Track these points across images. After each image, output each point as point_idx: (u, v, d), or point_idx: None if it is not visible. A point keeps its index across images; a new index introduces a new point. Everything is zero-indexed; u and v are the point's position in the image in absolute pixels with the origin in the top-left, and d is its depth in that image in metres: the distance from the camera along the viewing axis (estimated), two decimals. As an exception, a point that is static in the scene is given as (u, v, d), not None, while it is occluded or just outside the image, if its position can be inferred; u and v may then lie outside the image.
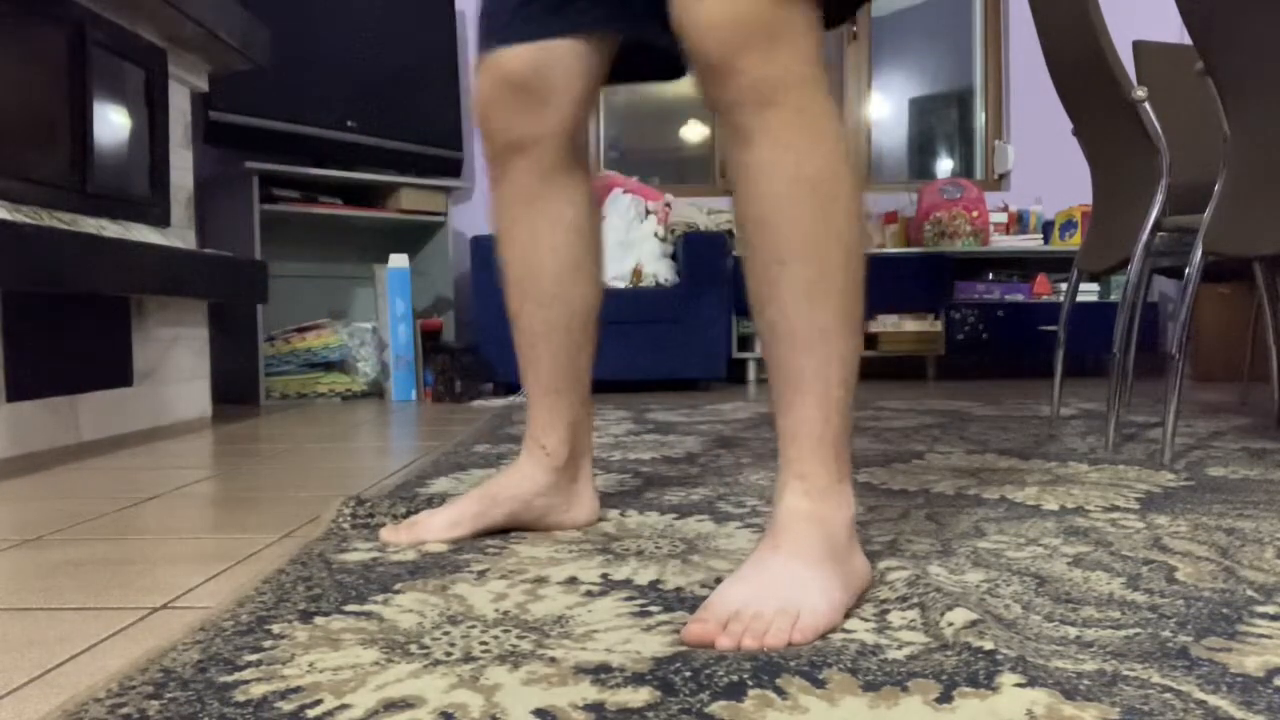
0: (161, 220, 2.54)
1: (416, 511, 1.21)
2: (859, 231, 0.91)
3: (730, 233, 4.07)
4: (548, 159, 1.13)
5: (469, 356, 3.44)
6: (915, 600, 0.85)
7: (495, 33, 1.11)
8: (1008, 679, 0.67)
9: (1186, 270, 1.76)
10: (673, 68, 1.16)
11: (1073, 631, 0.78)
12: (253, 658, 0.74)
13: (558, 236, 1.16)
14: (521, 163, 1.13)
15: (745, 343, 4.05)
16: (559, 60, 1.09)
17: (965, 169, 4.94)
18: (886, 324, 4.10)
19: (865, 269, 0.91)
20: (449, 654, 0.74)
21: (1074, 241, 4.10)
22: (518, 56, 1.09)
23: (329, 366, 3.58)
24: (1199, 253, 1.74)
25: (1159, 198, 1.93)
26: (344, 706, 0.65)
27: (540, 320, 1.17)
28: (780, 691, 0.66)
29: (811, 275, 0.88)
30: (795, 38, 0.85)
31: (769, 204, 0.88)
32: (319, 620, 0.83)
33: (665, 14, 0.88)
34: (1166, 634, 0.77)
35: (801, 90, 0.86)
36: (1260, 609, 0.84)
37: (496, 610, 0.86)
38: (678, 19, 0.87)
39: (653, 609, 0.86)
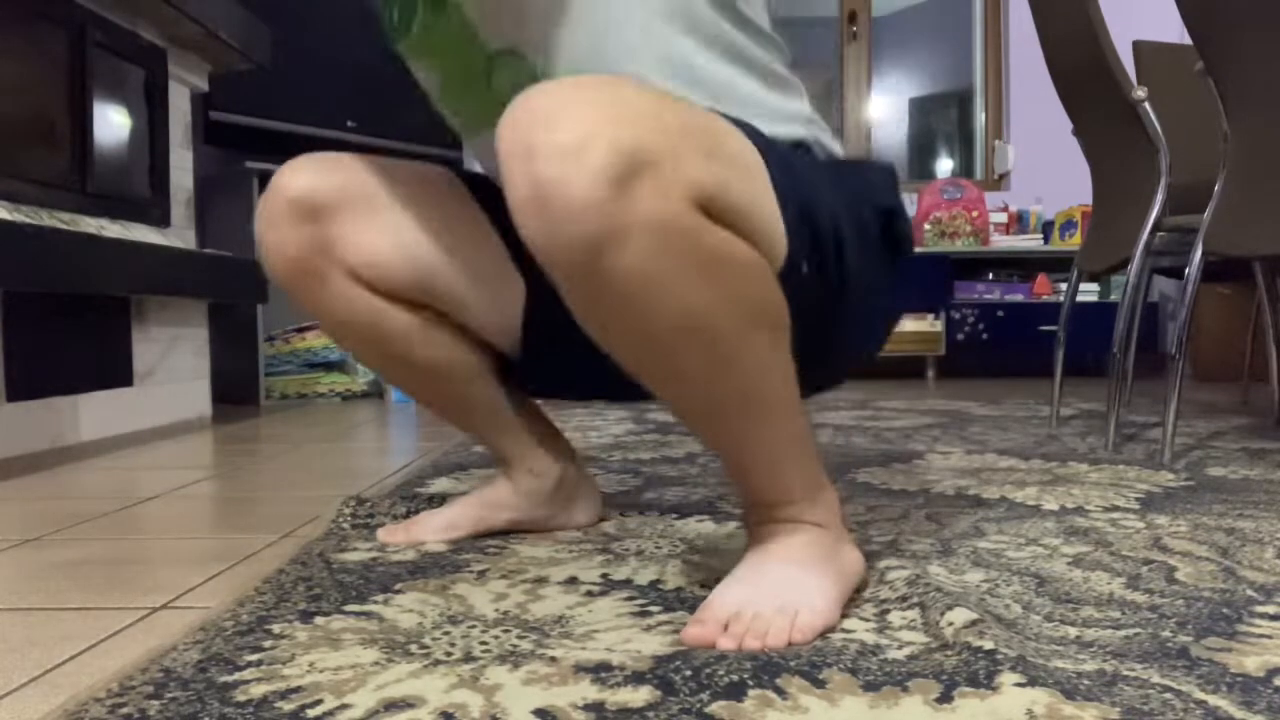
0: (161, 220, 2.54)
1: (416, 511, 1.21)
2: (740, 317, 0.76)
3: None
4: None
5: (469, 356, 3.44)
6: (915, 600, 0.85)
7: None
8: (1008, 679, 0.67)
9: (1186, 270, 1.76)
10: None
11: (1073, 631, 0.78)
12: (253, 657, 0.74)
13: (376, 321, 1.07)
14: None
15: (745, 343, 4.05)
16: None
17: (965, 169, 4.95)
18: (886, 324, 4.10)
19: (768, 328, 0.78)
20: (449, 654, 0.74)
21: (1074, 241, 4.10)
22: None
23: (329, 366, 3.58)
24: (1199, 253, 1.74)
25: (1159, 198, 1.94)
26: (344, 706, 0.65)
27: (433, 398, 1.14)
28: (780, 691, 0.66)
29: (699, 408, 0.82)
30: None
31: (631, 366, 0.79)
32: (319, 620, 0.83)
33: None
34: (1166, 634, 0.77)
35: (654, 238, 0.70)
36: (1260, 609, 0.84)
37: (497, 610, 0.86)
38: (525, 239, 0.71)
39: (653, 609, 0.86)
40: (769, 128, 0.89)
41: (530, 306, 1.06)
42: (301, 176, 1.03)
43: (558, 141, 0.66)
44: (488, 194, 1.07)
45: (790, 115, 0.95)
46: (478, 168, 1.12)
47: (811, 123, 0.97)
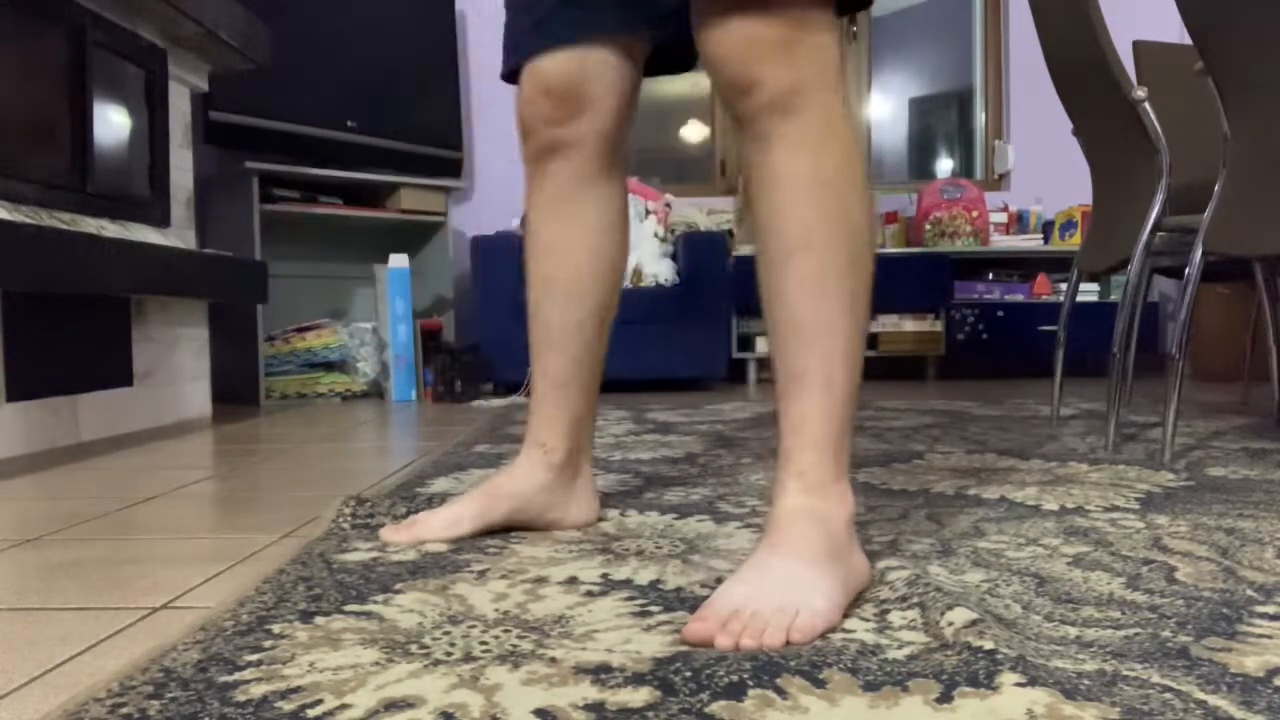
0: (161, 220, 2.54)
1: (416, 511, 1.21)
2: (869, 233, 0.93)
3: (730, 233, 4.07)
4: (584, 163, 1.15)
5: (469, 356, 3.44)
6: (915, 600, 0.85)
7: (533, 37, 1.12)
8: (1008, 678, 0.67)
9: (1186, 270, 1.76)
10: (685, 61, 1.20)
11: (1073, 631, 0.78)
12: (253, 658, 0.74)
13: (588, 238, 1.18)
14: (559, 165, 1.15)
15: (745, 343, 4.05)
16: (597, 70, 1.12)
17: (965, 169, 4.94)
18: (886, 324, 4.10)
19: (874, 274, 0.92)
20: (449, 654, 0.74)
21: (1074, 241, 4.10)
22: (558, 65, 1.11)
23: (329, 366, 3.58)
24: (1199, 253, 1.74)
25: (1159, 198, 1.93)
26: (344, 706, 0.65)
27: (560, 316, 1.18)
28: (780, 691, 0.66)
29: (818, 269, 0.90)
30: (812, 49, 0.89)
31: (782, 203, 0.90)
32: (319, 620, 0.83)
33: (683, 19, 0.92)
34: (1166, 634, 0.77)
35: (818, 97, 0.89)
36: (1260, 609, 0.84)
37: (497, 610, 0.86)
38: (699, 41, 0.90)
39: (653, 609, 0.86)
40: None
41: None
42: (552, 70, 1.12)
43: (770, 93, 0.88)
44: None
45: None
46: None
47: None
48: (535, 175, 1.18)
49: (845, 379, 0.91)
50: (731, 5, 0.88)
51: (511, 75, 1.17)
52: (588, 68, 1.11)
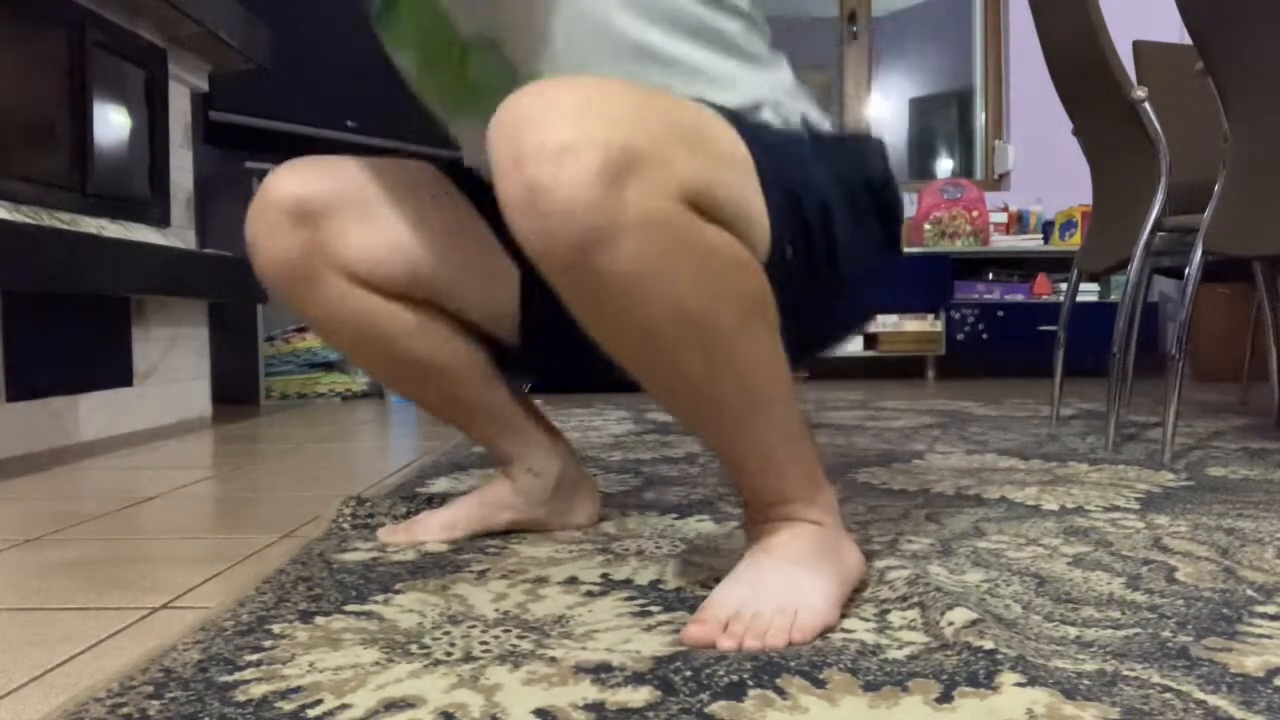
0: (161, 220, 2.54)
1: (416, 512, 1.21)
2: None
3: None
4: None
5: (469, 356, 3.43)
6: (915, 600, 0.85)
7: None
8: (1008, 678, 0.67)
9: (1186, 270, 1.76)
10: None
11: (1073, 631, 0.78)
12: (253, 657, 0.74)
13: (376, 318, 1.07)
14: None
15: (745, 343, 4.04)
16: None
17: (965, 169, 4.94)
18: (886, 324, 4.10)
19: (762, 322, 0.79)
20: (449, 654, 0.74)
21: (1074, 241, 4.10)
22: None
23: (329, 366, 3.58)
24: (1199, 253, 1.74)
25: (1159, 198, 1.93)
26: (344, 706, 0.65)
27: (432, 399, 1.14)
28: (780, 691, 0.66)
29: (696, 405, 0.83)
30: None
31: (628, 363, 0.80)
32: (319, 620, 0.83)
33: None
34: (1166, 634, 0.77)
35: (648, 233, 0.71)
36: (1260, 609, 0.84)
37: (497, 610, 0.86)
38: (519, 239, 0.72)
39: (653, 609, 0.86)
40: (722, 95, 0.89)
41: (525, 293, 1.07)
42: (292, 181, 1.04)
43: (547, 145, 0.67)
44: (472, 185, 1.07)
45: (751, 85, 0.94)
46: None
47: (790, 95, 0.96)
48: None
49: (780, 436, 0.83)
50: None
51: None
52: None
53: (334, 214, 1.03)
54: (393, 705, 0.65)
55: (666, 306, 0.72)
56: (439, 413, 1.17)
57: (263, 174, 3.67)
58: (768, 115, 0.92)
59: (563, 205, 0.67)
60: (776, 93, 0.95)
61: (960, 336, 4.13)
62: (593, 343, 0.79)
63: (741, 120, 0.86)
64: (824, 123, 0.98)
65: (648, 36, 0.91)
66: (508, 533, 1.16)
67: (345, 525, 1.21)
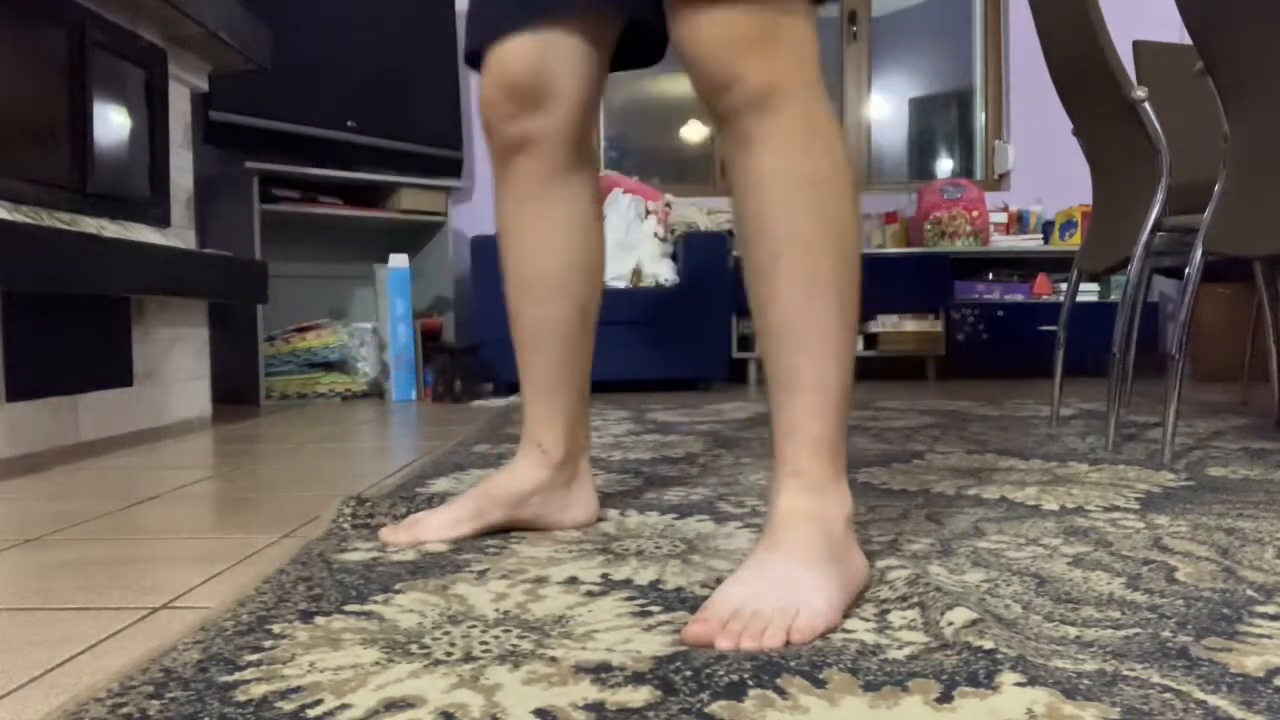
0: (161, 220, 2.54)
1: (416, 511, 1.21)
2: (855, 231, 0.92)
3: (730, 233, 4.07)
4: (551, 158, 1.13)
5: (469, 356, 3.44)
6: (915, 600, 0.85)
7: (493, 21, 1.10)
8: (1008, 678, 0.67)
9: (1186, 270, 1.76)
10: (656, 52, 1.17)
11: (1073, 631, 0.78)
12: (253, 657, 0.74)
13: (559, 235, 1.16)
14: (525, 161, 1.13)
15: (745, 343, 4.05)
16: (560, 60, 1.09)
17: (965, 169, 4.94)
18: (886, 324, 4.10)
19: (862, 270, 0.91)
20: (449, 654, 0.74)
21: (1074, 241, 4.10)
22: (520, 56, 1.08)
23: (329, 366, 3.58)
24: (1199, 253, 1.74)
25: (1159, 198, 1.93)
26: (344, 706, 0.65)
27: (539, 318, 1.17)
28: (780, 691, 0.66)
29: (807, 270, 0.89)
30: (791, 45, 0.87)
31: (768, 205, 0.89)
32: (319, 620, 0.83)
33: None
34: (1166, 634, 0.77)
35: (799, 95, 0.88)
36: (1260, 609, 0.84)
37: (497, 610, 0.86)
38: (673, 34, 0.88)
39: (653, 609, 0.86)
40: None
41: None
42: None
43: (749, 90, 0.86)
44: None
45: None
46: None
47: None
48: (502, 173, 1.16)
49: (837, 378, 0.90)
50: None
51: (473, 58, 1.14)
52: (549, 58, 1.08)
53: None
54: (393, 705, 0.65)
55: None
56: (533, 335, 1.18)
57: (263, 174, 3.69)
58: None
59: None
60: None
61: (960, 336, 4.13)
62: None
63: None
64: None
65: None
66: (508, 532, 1.16)
67: (345, 525, 1.21)
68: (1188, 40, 1.73)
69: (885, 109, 5.11)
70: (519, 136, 1.12)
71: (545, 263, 1.16)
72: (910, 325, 4.12)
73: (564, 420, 1.18)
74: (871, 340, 4.08)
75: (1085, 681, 0.67)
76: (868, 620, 0.82)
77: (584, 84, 1.11)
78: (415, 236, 3.91)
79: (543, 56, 1.08)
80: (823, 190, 0.89)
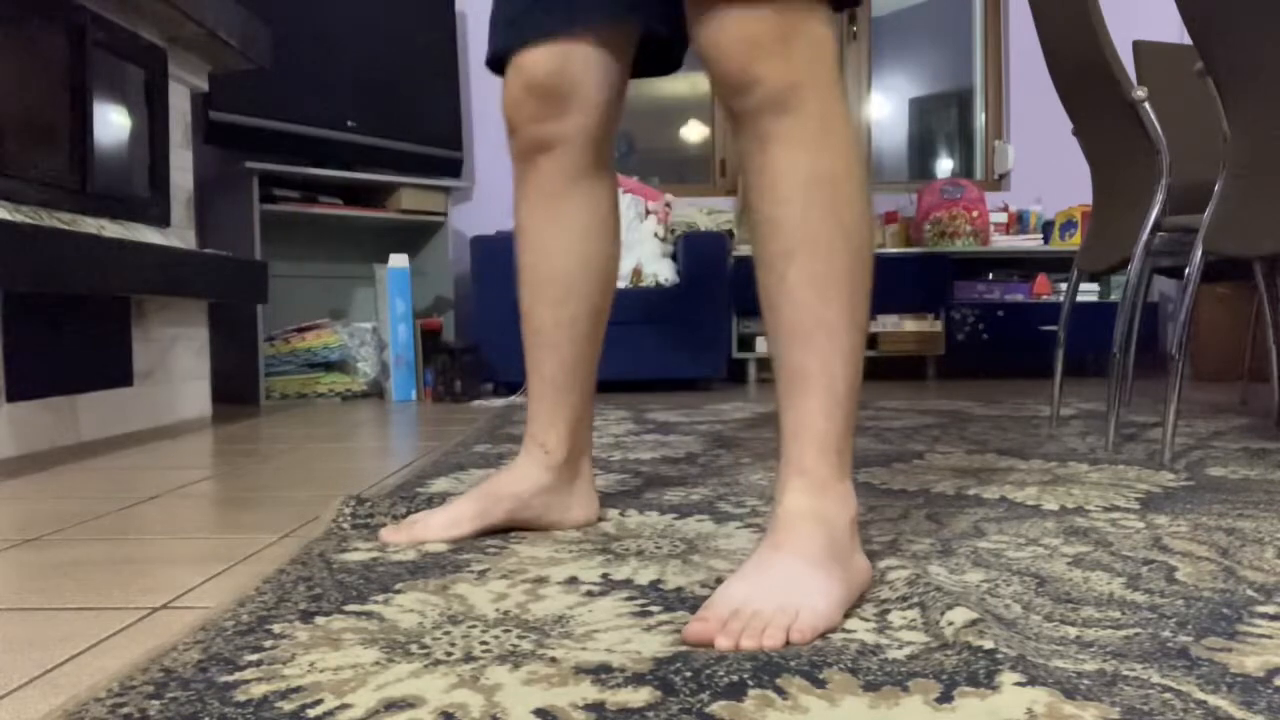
0: (161, 220, 2.54)
1: (416, 511, 1.21)
2: (868, 231, 0.92)
3: (730, 233, 4.07)
4: (572, 160, 1.14)
5: (469, 356, 3.44)
6: (915, 600, 0.85)
7: (518, 27, 1.11)
8: (1008, 678, 0.67)
9: (1186, 270, 1.76)
10: (671, 61, 1.19)
11: (1073, 631, 0.78)
12: (253, 657, 0.74)
13: (576, 238, 1.17)
14: (546, 162, 1.15)
15: (745, 343, 4.05)
16: (583, 65, 1.11)
17: (965, 169, 4.94)
18: (886, 324, 4.10)
19: (873, 271, 0.92)
20: (449, 654, 0.74)
21: (1074, 241, 4.10)
22: (546, 60, 1.10)
23: (329, 366, 3.58)
24: (1199, 253, 1.74)
25: (1159, 198, 1.93)
26: (344, 706, 0.65)
27: (551, 319, 1.18)
28: (780, 691, 0.66)
29: (819, 269, 0.89)
30: (811, 47, 0.88)
31: (782, 203, 0.90)
32: (319, 620, 0.83)
33: (672, 6, 0.91)
34: (1166, 634, 0.77)
35: (818, 94, 0.89)
36: (1260, 609, 0.84)
37: (497, 610, 0.86)
38: (694, 36, 0.89)
39: (653, 609, 0.86)
40: None
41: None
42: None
43: (768, 90, 0.87)
44: None
45: None
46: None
47: None
48: (523, 173, 1.17)
49: (846, 379, 0.91)
50: None
51: (495, 63, 1.15)
52: (573, 63, 1.10)
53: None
54: (393, 705, 0.65)
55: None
56: (543, 334, 1.18)
57: (263, 174, 3.69)
58: None
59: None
60: None
61: (960, 336, 4.13)
62: None
63: None
64: None
65: None
66: (508, 532, 1.16)
67: (345, 525, 1.21)
68: (1188, 40, 1.73)
69: (885, 109, 5.11)
70: (543, 138, 1.13)
71: (560, 264, 1.17)
72: (910, 325, 4.12)
73: (568, 421, 1.18)
74: (872, 340, 4.08)
75: (1085, 681, 0.67)
76: (868, 620, 0.82)
77: (606, 90, 1.13)
78: (415, 236, 3.91)
79: (567, 61, 1.10)
80: (837, 189, 0.89)
